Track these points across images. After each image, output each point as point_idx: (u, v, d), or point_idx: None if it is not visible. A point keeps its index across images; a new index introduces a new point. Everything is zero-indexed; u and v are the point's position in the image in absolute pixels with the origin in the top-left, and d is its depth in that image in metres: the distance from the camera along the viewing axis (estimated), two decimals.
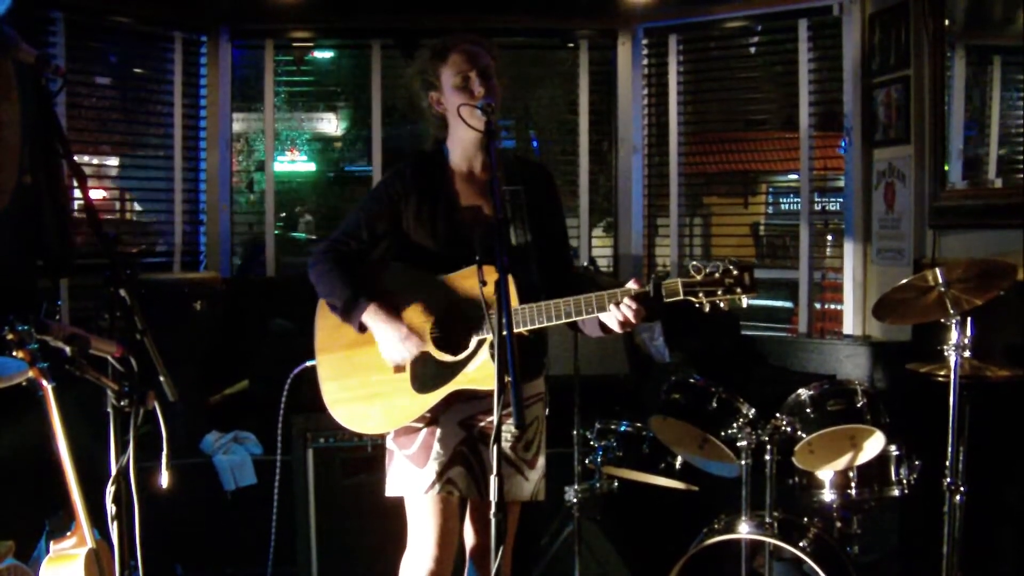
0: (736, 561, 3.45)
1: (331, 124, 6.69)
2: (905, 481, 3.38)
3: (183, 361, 4.41)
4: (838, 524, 3.47)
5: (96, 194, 5.39)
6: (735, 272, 2.44)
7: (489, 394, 2.18)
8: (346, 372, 2.73)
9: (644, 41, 5.74)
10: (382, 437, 2.85)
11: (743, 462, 3.28)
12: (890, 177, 4.79)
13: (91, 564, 2.62)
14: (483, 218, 2.72)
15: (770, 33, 5.53)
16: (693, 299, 2.44)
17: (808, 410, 3.34)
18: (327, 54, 6.33)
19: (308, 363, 3.00)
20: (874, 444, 3.34)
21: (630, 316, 2.46)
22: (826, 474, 3.41)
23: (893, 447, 3.38)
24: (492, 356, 2.26)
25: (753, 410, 3.37)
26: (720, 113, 5.72)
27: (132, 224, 5.64)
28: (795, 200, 5.51)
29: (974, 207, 4.27)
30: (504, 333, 2.16)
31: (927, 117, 4.49)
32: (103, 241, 2.20)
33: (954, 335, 3.08)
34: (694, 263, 2.45)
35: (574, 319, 2.52)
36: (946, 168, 4.44)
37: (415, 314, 2.68)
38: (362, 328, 2.66)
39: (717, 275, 2.44)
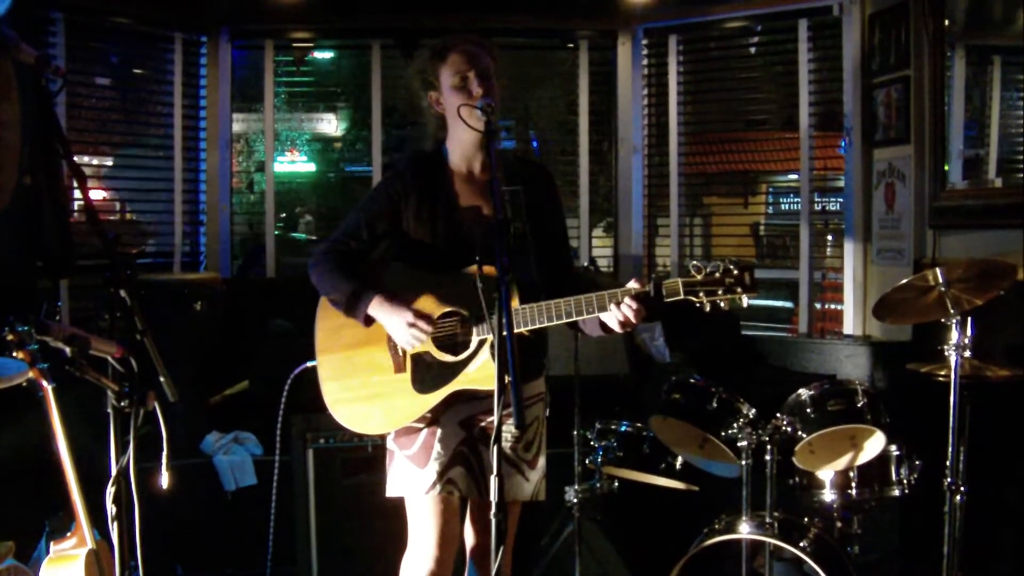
0: (736, 561, 3.45)
1: (331, 124, 6.68)
2: (905, 481, 3.38)
3: (183, 361, 4.41)
4: (838, 524, 3.47)
5: (95, 195, 5.39)
6: (735, 272, 2.44)
7: (490, 394, 2.18)
8: (347, 372, 2.73)
9: (644, 41, 5.74)
10: (382, 437, 2.85)
11: (743, 462, 3.28)
12: (890, 177, 4.79)
13: (91, 564, 2.62)
14: (483, 218, 2.72)
15: (770, 33, 5.53)
16: (694, 299, 2.44)
17: (808, 410, 3.34)
18: (327, 54, 6.33)
19: (308, 364, 3.01)
20: (874, 444, 3.34)
21: (630, 316, 2.46)
22: (826, 474, 3.41)
23: (893, 447, 3.38)
24: (493, 356, 2.26)
25: (753, 410, 3.37)
26: (720, 113, 5.72)
27: (128, 224, 5.63)
28: (795, 200, 5.51)
29: (974, 207, 4.27)
30: (504, 333, 2.16)
31: (927, 117, 4.49)
32: (103, 241, 2.20)
33: (954, 335, 3.08)
34: (694, 263, 2.46)
35: (575, 319, 2.52)
36: (946, 168, 4.44)
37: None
38: (368, 321, 2.66)
39: (717, 275, 2.44)
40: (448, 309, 2.66)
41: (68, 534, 2.68)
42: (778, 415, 3.36)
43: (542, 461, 2.83)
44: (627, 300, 2.46)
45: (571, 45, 5.85)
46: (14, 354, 2.34)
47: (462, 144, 2.76)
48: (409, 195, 2.74)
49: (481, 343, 2.60)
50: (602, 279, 5.52)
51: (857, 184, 5.00)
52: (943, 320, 3.11)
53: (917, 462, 3.39)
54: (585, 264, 5.69)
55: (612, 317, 2.49)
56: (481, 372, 2.60)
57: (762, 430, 3.30)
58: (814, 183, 5.31)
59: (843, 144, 5.13)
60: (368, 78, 5.76)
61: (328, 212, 6.30)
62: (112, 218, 5.48)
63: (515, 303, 2.51)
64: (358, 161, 6.32)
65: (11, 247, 3.29)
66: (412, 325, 2.60)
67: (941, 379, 3.16)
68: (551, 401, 3.02)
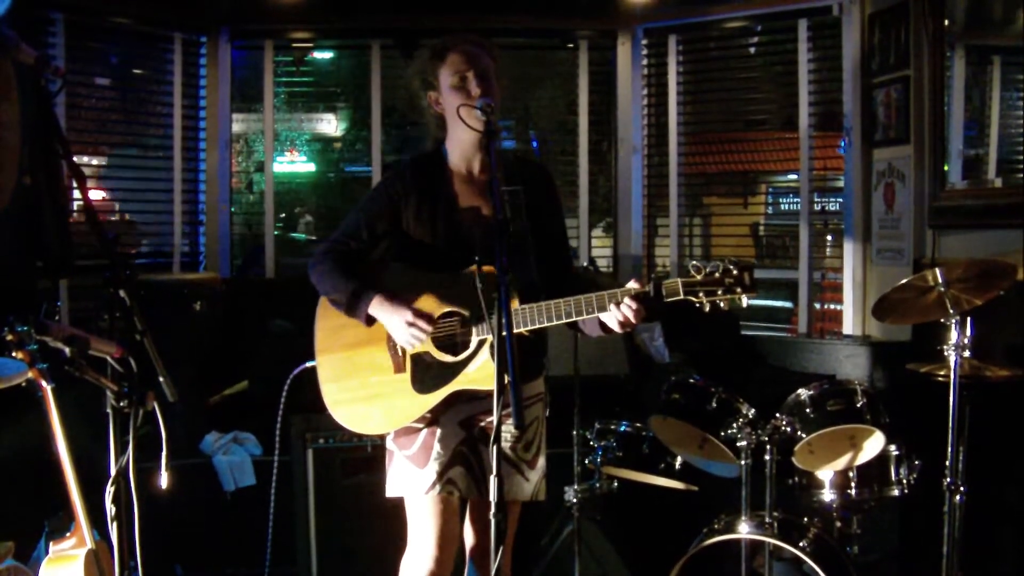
0: (736, 561, 3.45)
1: (331, 125, 6.68)
2: (905, 481, 3.38)
3: (183, 362, 4.41)
4: (838, 524, 3.47)
5: (94, 195, 5.38)
6: (735, 272, 2.44)
7: (489, 394, 2.18)
8: (346, 373, 2.73)
9: (644, 41, 5.74)
10: (382, 438, 2.85)
11: (743, 462, 3.28)
12: (890, 177, 4.79)
13: (91, 565, 2.62)
14: (483, 218, 2.72)
15: (770, 33, 5.53)
16: (693, 299, 2.44)
17: (808, 410, 3.34)
18: (327, 55, 6.33)
19: (308, 364, 3.00)
20: (874, 444, 3.34)
21: (630, 316, 2.46)
22: (826, 474, 3.41)
23: (893, 447, 3.38)
24: (493, 356, 2.26)
25: (753, 410, 3.37)
26: (720, 113, 5.72)
27: (126, 224, 5.63)
28: (795, 200, 5.51)
29: (974, 207, 4.27)
30: (504, 333, 2.16)
31: (927, 117, 4.49)
32: (102, 242, 2.20)
33: (954, 335, 3.08)
34: (694, 263, 2.46)
35: (575, 319, 2.52)
36: (946, 168, 4.44)
37: None
38: (370, 321, 2.66)
39: (717, 275, 2.44)
40: (448, 309, 2.66)
41: (67, 534, 2.68)
42: (778, 415, 3.36)
43: (542, 461, 2.83)
44: (627, 300, 2.46)
45: (571, 45, 5.85)
46: (13, 354, 2.34)
47: (462, 144, 2.76)
48: (409, 195, 2.74)
49: (481, 343, 2.60)
50: (602, 279, 5.52)
51: (857, 184, 5.00)
52: (943, 320, 3.11)
53: (917, 462, 3.39)
54: (585, 264, 5.69)
55: (612, 317, 2.49)
56: (481, 372, 2.60)
57: (761, 430, 3.30)
58: (814, 183, 5.31)
59: (843, 144, 5.13)
60: (368, 78, 5.76)
61: (328, 212, 6.29)
62: (112, 219, 5.47)
63: (515, 303, 2.50)
64: (358, 161, 6.32)
65: (11, 247, 3.29)
66: (412, 324, 2.60)
67: (941, 379, 3.16)
68: (551, 401, 3.02)
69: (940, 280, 3.10)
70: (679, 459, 3.57)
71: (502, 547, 2.12)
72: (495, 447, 2.12)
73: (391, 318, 2.62)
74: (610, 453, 3.64)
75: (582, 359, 3.70)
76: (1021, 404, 3.48)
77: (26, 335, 2.32)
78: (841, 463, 3.37)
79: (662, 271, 5.75)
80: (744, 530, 3.29)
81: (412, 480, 2.71)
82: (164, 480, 2.34)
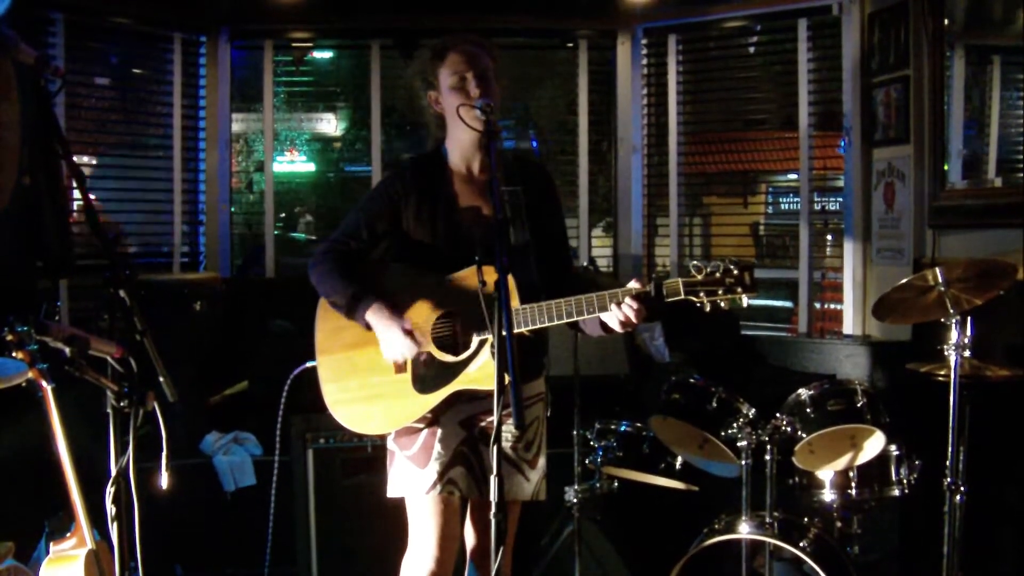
0: (736, 561, 3.45)
1: (330, 124, 6.68)
2: (905, 481, 3.38)
3: (183, 362, 4.41)
4: (838, 524, 3.47)
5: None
6: (735, 272, 2.44)
7: (490, 394, 2.18)
8: (347, 373, 2.73)
9: (643, 41, 5.74)
10: (382, 438, 2.85)
11: (743, 462, 3.28)
12: (890, 177, 4.79)
13: (91, 565, 2.62)
14: (483, 218, 2.72)
15: (769, 33, 5.53)
16: (694, 299, 2.44)
17: (808, 410, 3.34)
18: (326, 54, 6.33)
19: (308, 364, 3.00)
20: (874, 444, 3.34)
21: (631, 316, 2.46)
22: (826, 474, 3.41)
23: (893, 447, 3.38)
24: (493, 356, 2.26)
25: (753, 410, 3.37)
26: (720, 113, 5.72)
27: (109, 226, 5.61)
28: (795, 200, 5.50)
29: (974, 207, 4.27)
30: (504, 333, 2.16)
31: (927, 117, 4.49)
32: (102, 242, 2.20)
33: (954, 335, 3.08)
34: (695, 263, 2.46)
35: (575, 319, 2.52)
36: (946, 168, 4.44)
37: (416, 315, 2.68)
38: (369, 326, 2.66)
39: (718, 275, 2.44)
40: (448, 309, 2.66)
41: (68, 534, 2.68)
42: (778, 415, 3.36)
43: (542, 461, 2.83)
44: (628, 300, 2.46)
45: (571, 45, 5.84)
46: (13, 354, 2.34)
47: (461, 144, 2.76)
48: (409, 195, 2.74)
49: (481, 343, 2.60)
50: (602, 279, 5.52)
51: (857, 184, 5.00)
52: (943, 320, 3.11)
53: (917, 462, 3.39)
54: (585, 264, 5.69)
55: (613, 317, 2.49)
56: (481, 372, 2.59)
57: (762, 430, 3.30)
58: (814, 183, 5.31)
59: (842, 144, 5.13)
60: (367, 78, 5.75)
61: (327, 212, 6.29)
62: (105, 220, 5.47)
63: (515, 303, 2.50)
64: (357, 161, 6.32)
65: (11, 247, 3.29)
66: (402, 339, 2.60)
67: (941, 379, 3.16)
68: (552, 401, 3.02)
69: (940, 280, 3.10)
70: (679, 459, 3.57)
71: (502, 547, 2.12)
72: (495, 447, 2.12)
73: (384, 328, 2.62)
74: (610, 453, 3.64)
75: (582, 359, 3.70)
76: (1021, 404, 3.48)
77: (26, 335, 2.32)
78: (841, 463, 3.37)
79: (662, 271, 5.75)
80: (744, 530, 3.29)
81: (413, 480, 2.71)
82: (164, 480, 2.33)
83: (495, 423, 2.12)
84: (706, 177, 5.81)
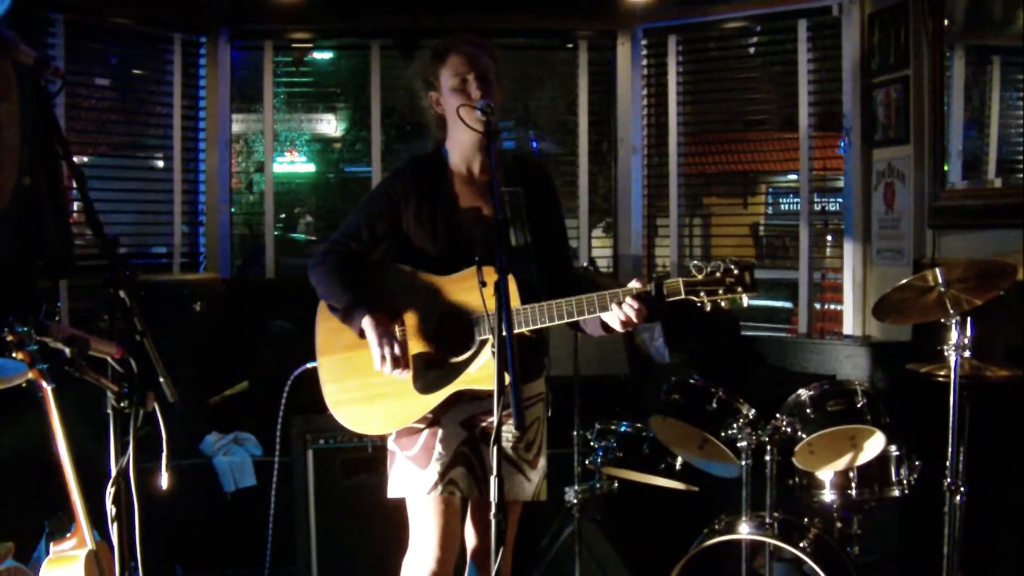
0: (736, 562, 3.45)
1: (330, 125, 6.68)
2: (905, 481, 3.38)
3: (183, 362, 4.41)
4: (838, 524, 3.47)
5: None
6: (736, 271, 2.44)
7: (491, 394, 2.18)
8: (347, 374, 2.73)
9: (643, 42, 5.74)
10: (382, 438, 2.85)
11: (743, 462, 3.28)
12: (890, 177, 4.79)
13: (91, 565, 2.62)
14: (483, 219, 2.72)
15: (769, 33, 5.53)
16: (695, 298, 2.45)
17: (808, 410, 3.33)
18: (326, 55, 6.33)
19: (309, 364, 3.00)
20: (874, 444, 3.33)
21: (632, 315, 2.46)
22: (826, 474, 3.41)
23: (893, 447, 3.38)
24: (494, 356, 2.26)
25: (753, 410, 3.36)
26: (719, 113, 5.72)
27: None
28: (795, 200, 5.51)
29: (974, 207, 4.27)
30: (504, 333, 2.16)
31: (926, 117, 4.50)
32: (103, 242, 2.20)
33: (954, 335, 3.08)
34: (695, 263, 2.46)
35: (576, 319, 2.52)
36: (946, 168, 4.44)
37: (416, 316, 2.68)
38: (363, 333, 2.66)
39: (718, 274, 2.44)
40: (449, 310, 2.66)
41: (68, 535, 2.68)
42: (778, 415, 3.35)
43: (543, 461, 2.83)
44: (628, 300, 2.46)
45: (571, 45, 5.85)
46: (13, 355, 2.34)
47: (462, 145, 2.76)
48: (409, 196, 2.74)
49: (482, 343, 2.60)
50: (602, 279, 5.52)
51: (856, 184, 5.00)
52: (943, 320, 3.11)
53: (917, 462, 3.39)
54: (585, 264, 5.69)
55: (613, 317, 2.49)
56: (482, 372, 2.59)
57: (762, 430, 3.30)
58: (813, 183, 5.31)
59: (842, 144, 5.13)
60: (367, 79, 5.75)
61: (327, 213, 6.30)
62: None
63: (515, 303, 2.50)
64: (357, 162, 6.32)
65: (11, 247, 3.29)
66: (387, 360, 2.60)
67: (941, 379, 3.16)
68: (552, 401, 3.02)
69: (940, 280, 3.10)
70: (679, 459, 3.57)
71: (502, 548, 2.11)
72: (495, 447, 2.12)
73: (376, 347, 2.62)
74: (610, 453, 3.64)
75: (582, 359, 3.70)
76: (1021, 404, 3.48)
77: (26, 335, 2.31)
78: (841, 463, 3.37)
79: (662, 271, 5.75)
80: (744, 530, 3.28)
81: (414, 481, 2.71)
82: (164, 480, 2.33)
83: (495, 423, 2.12)
84: (706, 178, 5.81)
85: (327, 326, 2.77)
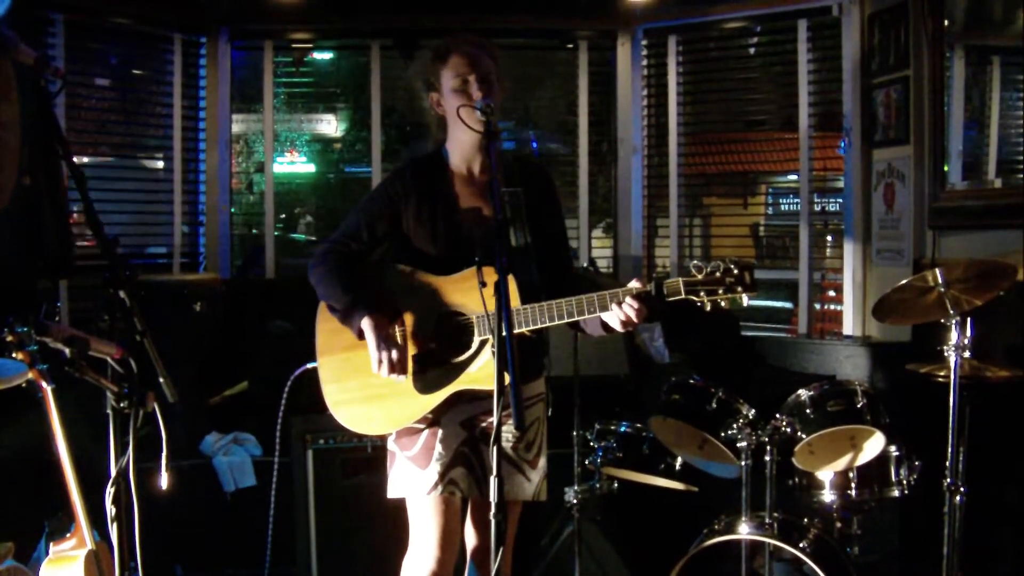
0: (736, 562, 3.45)
1: (330, 125, 6.69)
2: (905, 482, 3.38)
3: (183, 362, 4.41)
4: (838, 525, 3.47)
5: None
6: (736, 271, 2.44)
7: (491, 394, 2.18)
8: (347, 374, 2.73)
9: (643, 42, 5.74)
10: (382, 438, 2.85)
11: (743, 463, 3.28)
12: (890, 177, 4.79)
13: (91, 565, 2.62)
14: (483, 219, 2.72)
15: (769, 34, 5.53)
16: (695, 298, 2.45)
17: (808, 411, 3.33)
18: (326, 55, 6.33)
19: (309, 365, 3.00)
20: (874, 445, 3.33)
21: (632, 315, 2.46)
22: (826, 475, 3.41)
23: (893, 447, 3.38)
24: (494, 356, 2.26)
25: (753, 411, 3.36)
26: (720, 114, 5.72)
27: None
28: (795, 201, 5.51)
29: (974, 207, 4.27)
30: (504, 334, 2.16)
31: (927, 117, 4.49)
32: (103, 242, 2.20)
33: (954, 335, 3.08)
34: (695, 263, 2.46)
35: (576, 319, 2.52)
36: (946, 168, 4.44)
37: (416, 315, 2.68)
38: (361, 335, 2.66)
39: (718, 274, 2.44)
40: (449, 310, 2.66)
41: (68, 535, 2.68)
42: (778, 416, 3.35)
43: (543, 461, 2.83)
44: (628, 299, 2.46)
45: (571, 45, 5.85)
46: (13, 355, 2.34)
47: (462, 145, 2.76)
48: (409, 196, 2.74)
49: (483, 343, 2.60)
50: (602, 279, 5.52)
51: (857, 184, 5.00)
52: (943, 321, 3.11)
53: (917, 463, 3.39)
54: (585, 265, 5.69)
55: (614, 316, 2.49)
56: (482, 372, 2.59)
57: (762, 431, 3.30)
58: (813, 183, 5.31)
59: (842, 144, 5.13)
60: (367, 79, 5.76)
61: (328, 213, 6.30)
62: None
63: (515, 303, 2.50)
64: (357, 162, 6.32)
65: (11, 247, 3.29)
66: (383, 365, 2.60)
67: (941, 380, 3.16)
68: (552, 401, 3.02)
69: (940, 280, 3.10)
70: (679, 460, 3.57)
71: (502, 548, 2.12)
72: (495, 447, 2.12)
73: (374, 350, 2.62)
74: (610, 454, 3.64)
75: (582, 359, 3.70)
76: (1021, 404, 3.48)
77: (26, 336, 2.31)
78: (841, 464, 3.37)
79: (662, 272, 5.75)
80: (744, 531, 3.29)
81: (414, 481, 2.71)
82: (164, 481, 2.33)
83: (495, 423, 2.12)
84: (706, 178, 5.81)
85: (327, 326, 2.77)
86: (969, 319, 3.11)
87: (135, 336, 2.18)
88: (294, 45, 5.84)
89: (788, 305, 5.62)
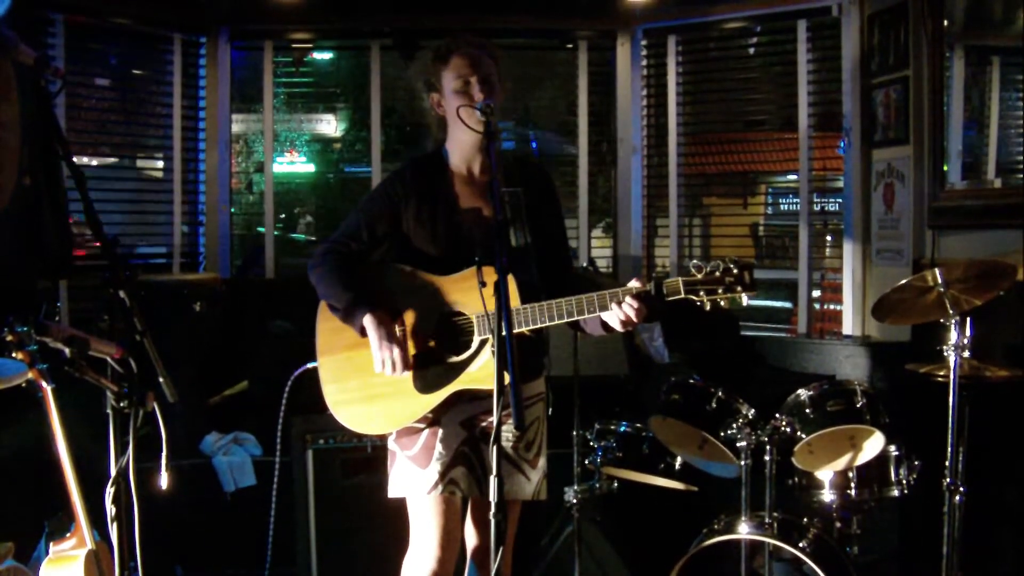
0: (736, 562, 3.45)
1: (330, 125, 6.68)
2: (905, 481, 3.38)
3: (183, 362, 4.41)
4: (838, 524, 3.47)
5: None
6: (735, 271, 2.44)
7: (491, 394, 2.18)
8: (348, 374, 2.73)
9: (643, 42, 5.74)
10: (382, 438, 2.85)
11: (743, 462, 3.28)
12: (889, 177, 4.79)
13: (91, 565, 2.62)
14: (483, 220, 2.72)
15: (769, 34, 5.53)
16: (694, 297, 2.45)
17: (808, 410, 3.34)
18: (326, 55, 6.33)
19: (309, 365, 3.00)
20: (874, 444, 3.34)
21: (632, 315, 2.46)
22: (826, 474, 3.41)
23: (893, 447, 3.38)
24: (494, 356, 2.27)
25: (753, 410, 3.37)
26: (719, 114, 5.72)
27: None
28: (794, 201, 5.51)
29: (973, 207, 4.27)
30: (504, 333, 2.16)
31: (926, 117, 4.50)
32: (103, 243, 2.20)
33: (953, 335, 3.08)
34: (695, 262, 2.46)
35: (576, 318, 2.53)
36: (945, 168, 4.44)
37: (416, 315, 2.68)
38: (363, 332, 2.66)
39: (718, 274, 2.44)
40: (449, 310, 2.66)
41: (67, 535, 2.68)
42: (777, 415, 3.36)
43: (543, 461, 2.83)
44: (628, 299, 2.46)
45: (570, 45, 5.85)
46: (13, 355, 2.34)
47: (462, 146, 2.76)
48: (409, 197, 2.75)
49: (483, 343, 2.60)
50: (602, 279, 5.52)
51: (856, 184, 5.01)
52: (942, 320, 3.11)
53: (916, 462, 3.39)
54: (585, 265, 5.69)
55: (613, 316, 2.49)
56: (483, 372, 2.60)
57: (761, 430, 3.30)
58: (813, 183, 5.31)
59: (842, 144, 5.14)
60: (367, 79, 5.76)
61: (327, 213, 6.30)
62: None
63: (515, 303, 2.51)
64: (357, 162, 6.32)
65: (11, 247, 3.28)
66: (388, 361, 2.60)
67: (940, 379, 3.16)
68: (552, 400, 3.02)
69: (940, 280, 3.10)
70: (679, 459, 3.57)
71: (502, 547, 2.12)
72: (495, 447, 2.13)
73: (377, 346, 2.62)
74: (610, 453, 3.64)
75: (582, 359, 3.70)
76: (1021, 404, 3.48)
77: (26, 336, 2.31)
78: (841, 463, 3.37)
79: (662, 271, 5.76)
80: (744, 530, 3.29)
81: (414, 480, 2.71)
82: (164, 481, 2.34)
83: (495, 423, 2.12)
84: (706, 178, 5.81)
85: (328, 326, 2.77)
86: (969, 319, 3.11)
87: (135, 336, 2.19)
88: (294, 45, 5.84)
89: (788, 305, 5.62)
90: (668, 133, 5.68)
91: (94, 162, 5.48)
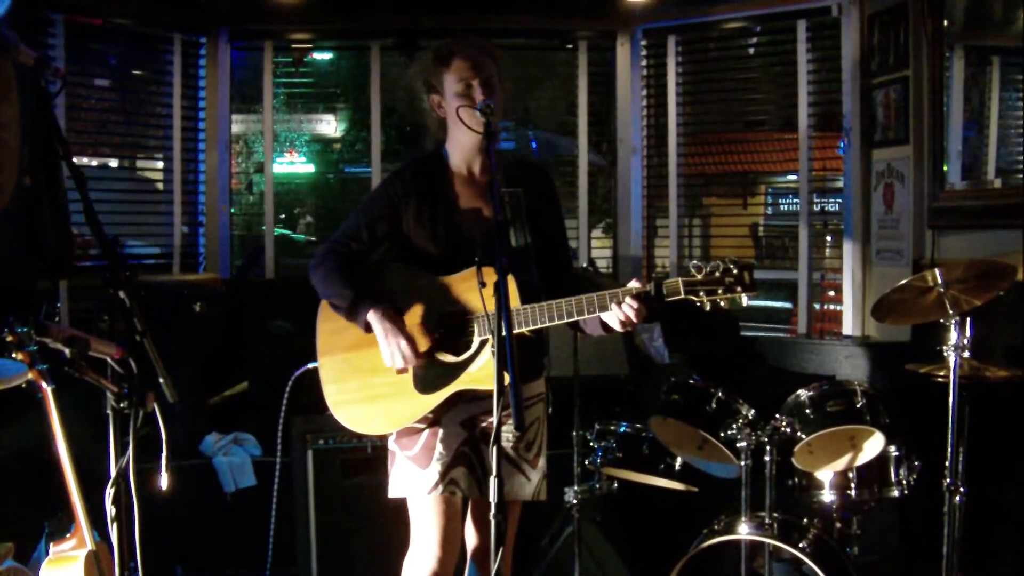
0: (736, 562, 3.45)
1: (330, 126, 6.69)
2: (905, 482, 3.38)
3: (183, 362, 4.41)
4: (838, 525, 3.47)
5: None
6: (735, 271, 2.44)
7: (491, 394, 2.18)
8: (348, 374, 2.73)
9: (643, 42, 5.74)
10: (382, 438, 2.85)
11: (743, 463, 3.28)
12: (889, 178, 4.80)
13: (91, 566, 2.62)
14: (483, 220, 2.72)
15: (769, 34, 5.53)
16: (694, 298, 2.45)
17: (808, 411, 3.34)
18: (326, 55, 6.34)
19: (310, 365, 3.00)
20: (874, 445, 3.34)
21: (631, 315, 2.46)
22: (826, 475, 3.41)
23: (893, 448, 3.38)
24: (494, 356, 2.27)
25: (753, 411, 3.37)
26: (719, 114, 5.72)
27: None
28: (794, 201, 5.51)
29: (973, 207, 4.28)
30: (504, 334, 2.16)
31: (926, 118, 4.50)
32: (103, 243, 2.20)
33: (953, 335, 3.08)
34: (695, 263, 2.46)
35: (576, 319, 2.53)
36: (945, 169, 4.44)
37: (416, 315, 2.68)
38: (368, 328, 2.66)
39: (717, 274, 2.44)
40: (449, 310, 2.66)
41: (68, 535, 2.68)
42: (777, 416, 3.36)
43: (543, 461, 2.83)
44: (628, 299, 2.46)
45: (570, 46, 5.85)
46: (13, 355, 2.34)
47: (462, 146, 2.76)
48: (409, 197, 2.75)
49: (483, 343, 2.60)
50: (602, 280, 5.52)
51: (856, 185, 5.01)
52: (942, 321, 3.11)
53: (916, 463, 3.39)
54: (584, 265, 5.69)
55: (613, 316, 2.49)
56: (483, 372, 2.60)
57: (761, 431, 3.30)
58: (813, 184, 5.31)
59: (842, 145, 5.14)
60: (367, 79, 5.76)
61: (327, 213, 6.31)
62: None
63: (515, 303, 2.51)
64: (357, 162, 6.33)
65: (11, 247, 3.28)
66: (401, 352, 2.60)
67: (940, 380, 3.16)
68: (552, 401, 3.02)
69: (940, 281, 3.10)
70: (679, 460, 3.57)
71: (502, 548, 2.12)
72: (495, 448, 2.13)
73: (384, 338, 2.62)
74: (610, 454, 3.64)
75: (582, 359, 3.70)
76: (1021, 404, 3.48)
77: (26, 336, 2.31)
78: (841, 464, 3.37)
79: (662, 272, 5.76)
80: (744, 531, 3.29)
81: (415, 481, 2.71)
82: (164, 481, 2.34)
83: (495, 423, 2.12)
84: (706, 178, 5.81)
85: (328, 326, 2.77)
86: (968, 319, 3.11)
87: (135, 336, 2.19)
88: (294, 45, 5.83)
89: (788, 305, 5.62)
90: (668, 133, 5.68)
91: (94, 162, 5.48)
